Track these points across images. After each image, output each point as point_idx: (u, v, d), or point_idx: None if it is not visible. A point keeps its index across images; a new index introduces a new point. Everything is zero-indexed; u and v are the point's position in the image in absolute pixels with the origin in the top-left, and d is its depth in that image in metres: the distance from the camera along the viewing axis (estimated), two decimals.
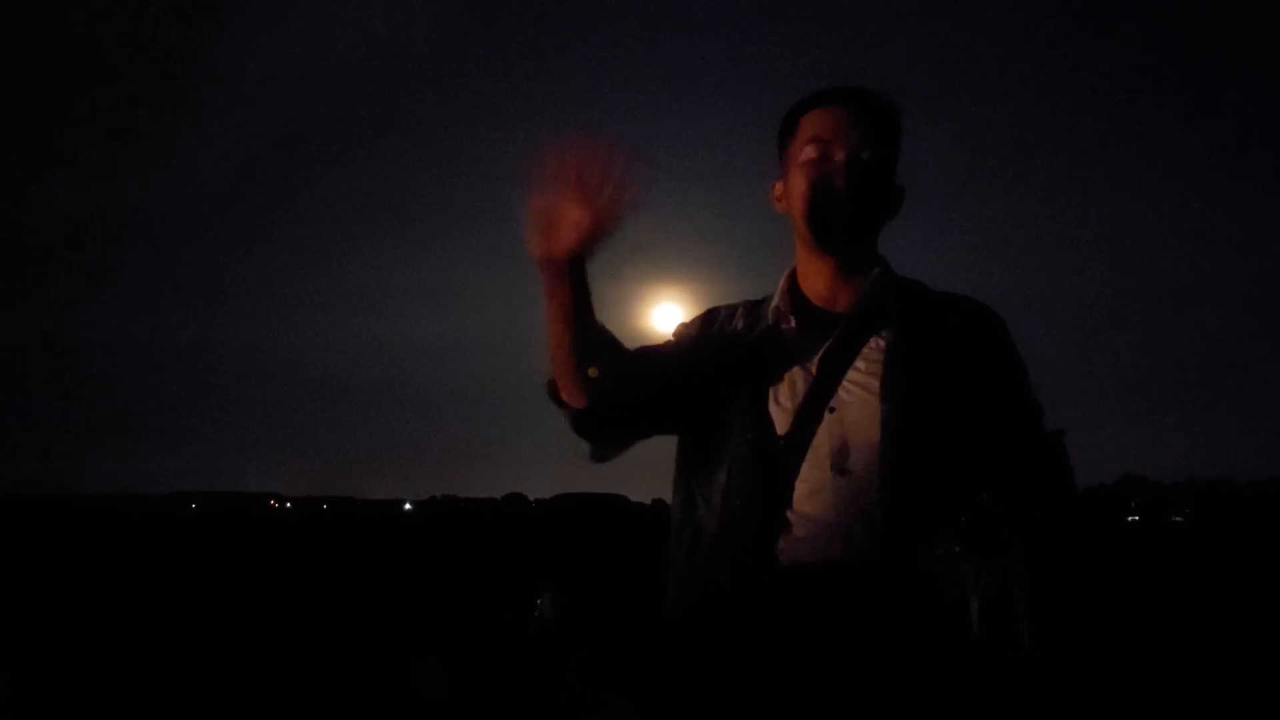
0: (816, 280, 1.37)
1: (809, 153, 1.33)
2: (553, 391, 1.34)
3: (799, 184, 1.33)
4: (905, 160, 1.36)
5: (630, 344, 1.42)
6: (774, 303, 1.39)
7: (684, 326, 1.48)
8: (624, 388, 1.32)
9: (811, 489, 1.24)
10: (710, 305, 1.50)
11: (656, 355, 1.42)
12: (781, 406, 1.29)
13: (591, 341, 1.28)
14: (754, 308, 1.43)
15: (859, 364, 1.29)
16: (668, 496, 1.43)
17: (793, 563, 1.23)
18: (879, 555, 1.20)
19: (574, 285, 1.25)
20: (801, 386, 1.29)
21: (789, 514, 1.24)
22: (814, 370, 1.30)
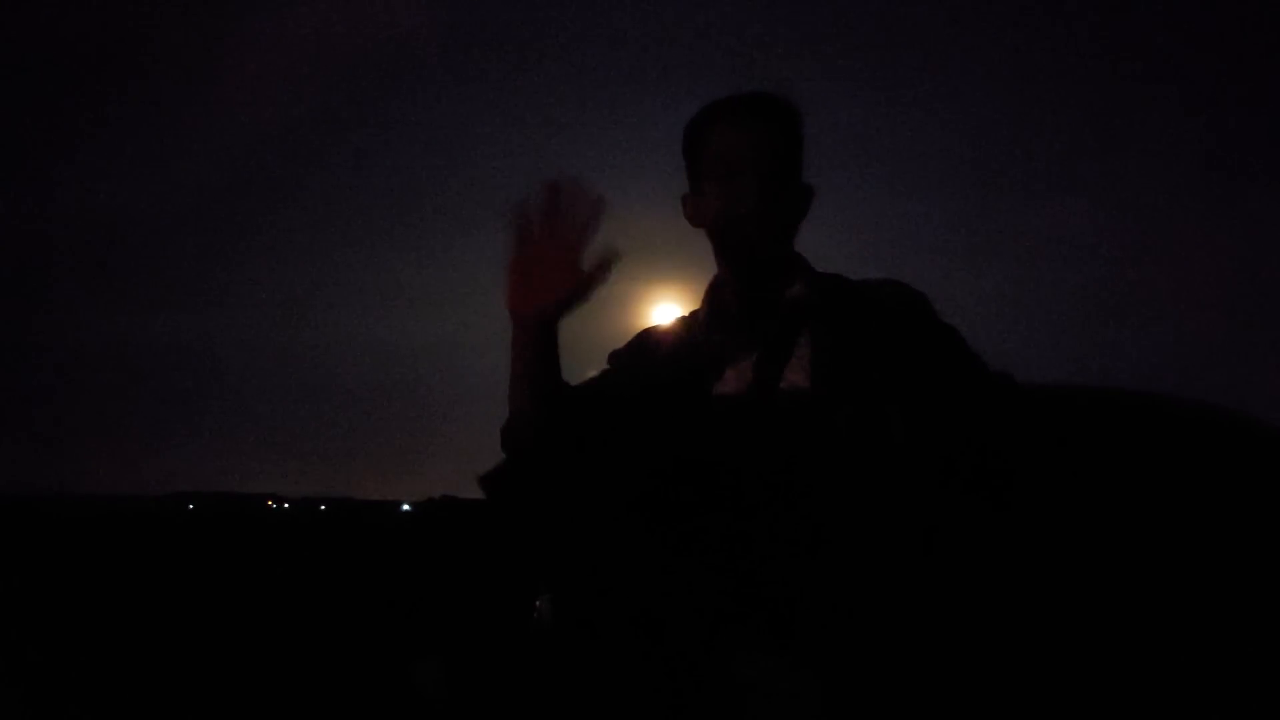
0: (738, 289, 1.37)
1: (715, 170, 1.31)
2: (507, 437, 1.34)
3: (708, 204, 1.33)
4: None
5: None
6: (699, 316, 1.40)
7: (616, 355, 1.48)
8: (572, 431, 1.32)
9: None
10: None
11: (596, 390, 1.42)
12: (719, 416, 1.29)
13: (553, 396, 1.29)
14: (684, 323, 1.44)
15: (791, 363, 1.29)
16: None
17: None
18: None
19: (544, 344, 1.25)
20: (737, 394, 1.30)
21: None
22: (749, 376, 1.30)
